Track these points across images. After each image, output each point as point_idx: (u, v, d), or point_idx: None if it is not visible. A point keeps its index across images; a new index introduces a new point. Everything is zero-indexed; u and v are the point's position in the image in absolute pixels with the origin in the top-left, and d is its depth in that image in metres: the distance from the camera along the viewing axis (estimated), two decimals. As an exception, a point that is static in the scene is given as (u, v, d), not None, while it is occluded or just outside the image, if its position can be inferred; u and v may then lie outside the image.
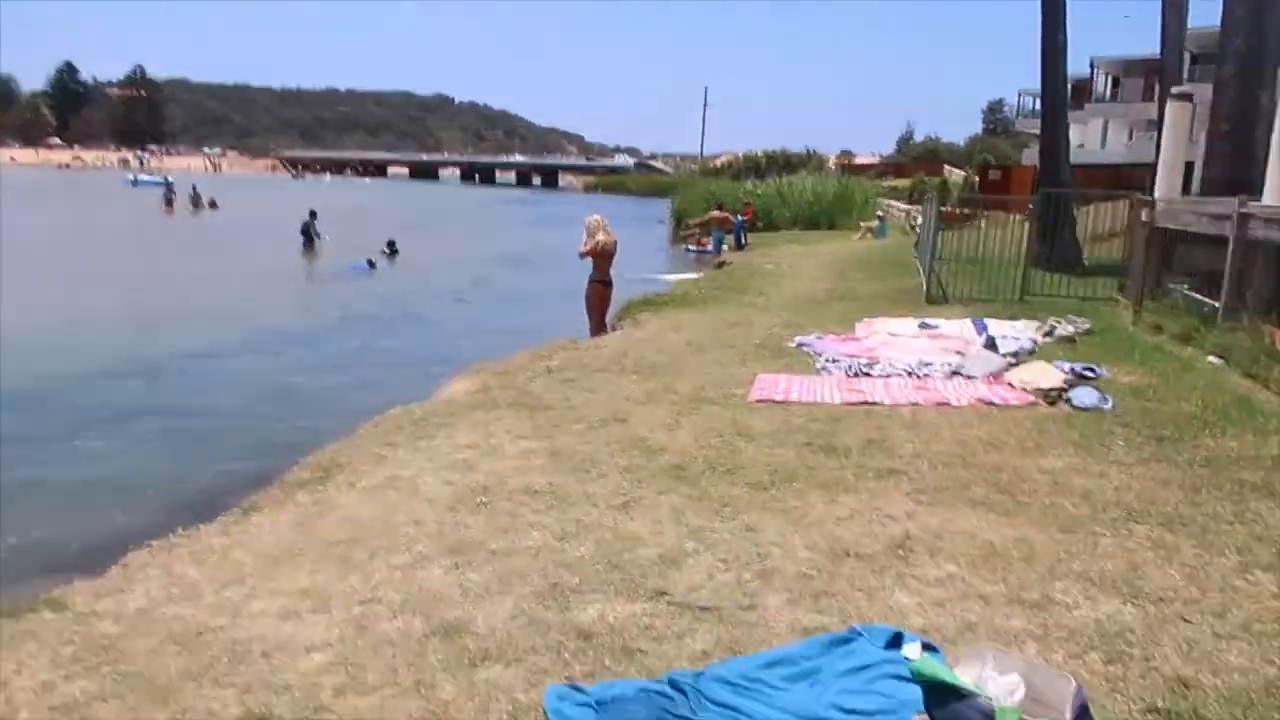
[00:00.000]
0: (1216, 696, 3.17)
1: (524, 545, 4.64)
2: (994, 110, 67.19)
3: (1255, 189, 10.35)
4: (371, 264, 22.86)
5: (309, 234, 26.73)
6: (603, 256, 11.79)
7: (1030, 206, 16.35)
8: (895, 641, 3.55)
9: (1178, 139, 13.91)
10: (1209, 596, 3.93)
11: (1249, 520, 4.77)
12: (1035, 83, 20.69)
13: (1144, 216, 10.82)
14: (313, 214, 27.17)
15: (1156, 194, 12.98)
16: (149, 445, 8.72)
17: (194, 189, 44.88)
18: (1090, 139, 42.69)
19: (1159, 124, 17.14)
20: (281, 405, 10.31)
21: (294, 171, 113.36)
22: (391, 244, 25.46)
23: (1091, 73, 44.55)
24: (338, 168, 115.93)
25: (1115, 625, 3.68)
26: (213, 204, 43.32)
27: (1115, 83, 43.92)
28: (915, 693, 2.73)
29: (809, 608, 3.92)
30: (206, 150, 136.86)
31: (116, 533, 5.88)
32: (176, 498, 7.07)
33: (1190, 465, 5.66)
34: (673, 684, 3.27)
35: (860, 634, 3.62)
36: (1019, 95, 49.72)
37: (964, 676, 2.30)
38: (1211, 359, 8.49)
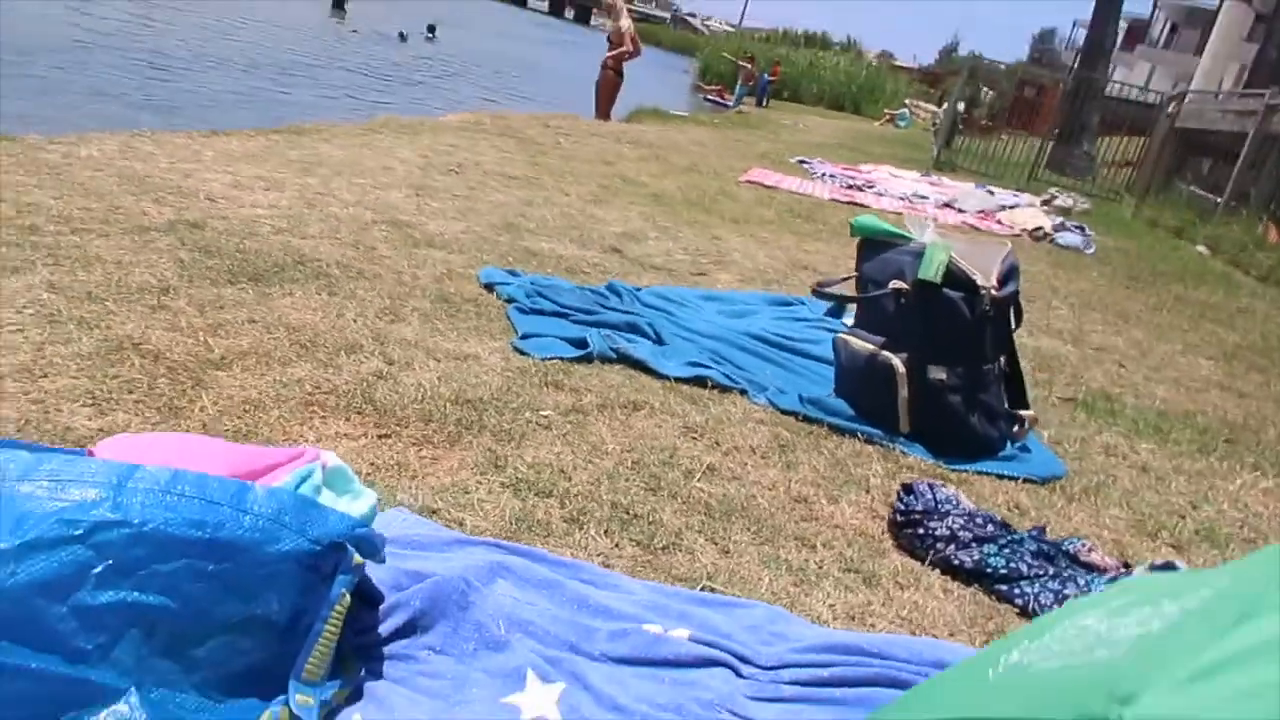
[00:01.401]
0: (1133, 407, 3.21)
1: (489, 200, 4.57)
2: (1044, 39, 64.65)
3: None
4: (403, 36, 22.04)
5: None
6: (622, 41, 11.39)
7: (1057, 130, 15.90)
8: (835, 315, 3.56)
9: (1225, 39, 13.44)
10: (1148, 359, 3.96)
11: (1203, 333, 4.79)
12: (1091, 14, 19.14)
13: (1170, 109, 10.57)
14: None
15: (1190, 88, 12.64)
16: (148, 104, 8.73)
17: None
18: (1133, 81, 41.37)
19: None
20: (277, 112, 10.12)
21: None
22: (432, 27, 24.65)
23: (1152, 14, 42.74)
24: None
25: (1053, 353, 3.71)
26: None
27: (1173, 29, 42.18)
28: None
29: (758, 287, 3.90)
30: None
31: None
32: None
33: (1158, 296, 5.67)
34: (610, 287, 3.26)
35: (803, 302, 3.62)
36: (1073, 25, 47.75)
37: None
38: (1200, 248, 8.44)
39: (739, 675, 1.26)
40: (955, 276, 2.15)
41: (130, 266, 2.57)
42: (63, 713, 0.83)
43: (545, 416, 2.07)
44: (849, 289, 2.45)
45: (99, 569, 0.86)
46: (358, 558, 1.03)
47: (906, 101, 31.28)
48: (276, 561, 0.96)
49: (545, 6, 76.55)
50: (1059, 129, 14.80)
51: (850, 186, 8.36)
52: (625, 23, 11.51)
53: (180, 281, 2.53)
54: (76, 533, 0.86)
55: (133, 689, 0.86)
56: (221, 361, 2.04)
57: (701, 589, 1.49)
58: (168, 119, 8.05)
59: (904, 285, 2.18)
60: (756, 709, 1.20)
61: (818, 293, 2.35)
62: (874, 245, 2.32)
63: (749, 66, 26.68)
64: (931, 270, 2.13)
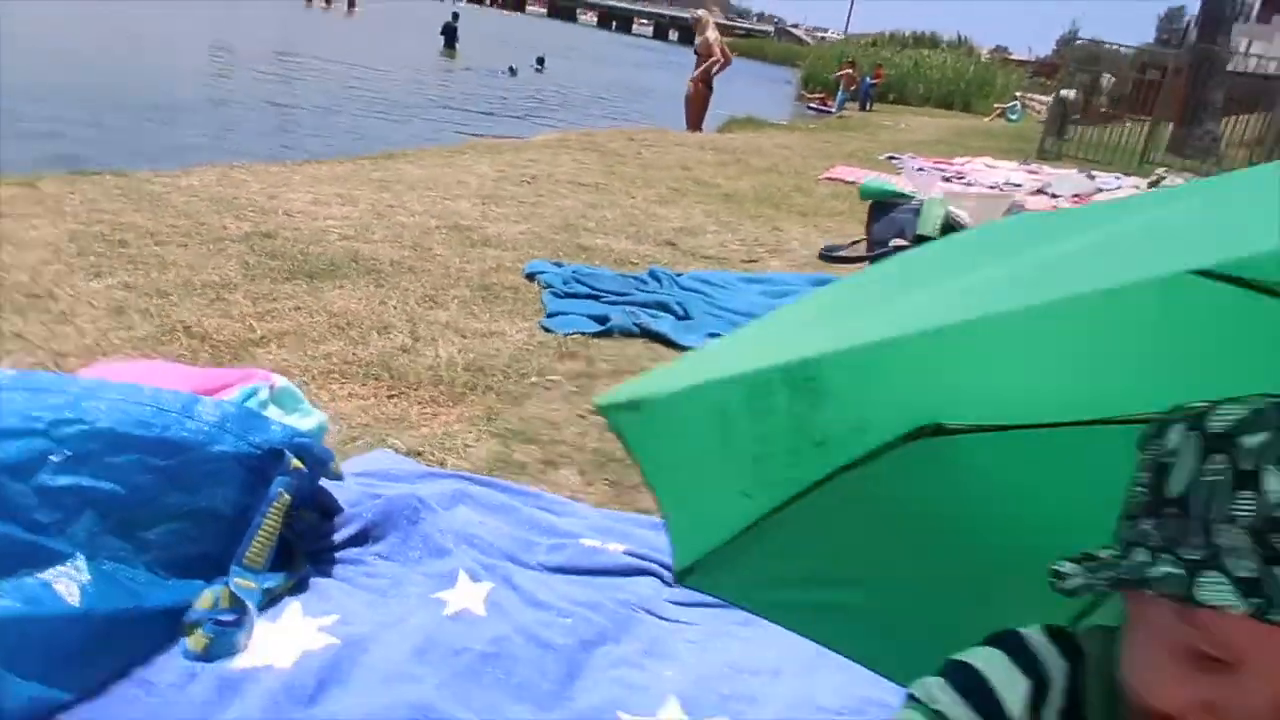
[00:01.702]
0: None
1: (554, 205, 4.76)
2: (1171, 19, 61.46)
3: None
4: (513, 70, 22.75)
5: (451, 34, 26.71)
6: (711, 53, 11.53)
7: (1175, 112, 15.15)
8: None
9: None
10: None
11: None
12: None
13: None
14: (455, 15, 27.04)
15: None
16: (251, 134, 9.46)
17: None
18: (1273, 54, 38.76)
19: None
20: (384, 149, 10.70)
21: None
22: (541, 59, 25.48)
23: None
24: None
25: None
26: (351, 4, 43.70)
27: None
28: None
29: (810, 271, 3.94)
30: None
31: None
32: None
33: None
34: (651, 273, 3.38)
35: (849, 281, 3.65)
36: (1202, 2, 45.15)
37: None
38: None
39: (666, 585, 1.35)
40: (954, 230, 2.18)
41: (200, 269, 2.84)
42: (20, 568, 1.00)
43: (552, 381, 2.20)
44: (861, 252, 2.50)
45: (58, 458, 1.03)
46: (297, 463, 1.18)
47: (1017, 95, 30.33)
48: (217, 460, 1.12)
49: (650, 31, 77.63)
50: (1180, 114, 14.13)
51: (939, 179, 8.23)
52: (712, 35, 11.64)
53: (242, 280, 2.78)
54: (39, 426, 1.04)
55: (78, 553, 1.02)
56: (261, 340, 2.25)
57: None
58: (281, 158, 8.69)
59: (905, 242, 2.22)
60: (676, 611, 1.29)
61: (825, 256, 2.42)
62: (881, 207, 2.38)
63: (850, 72, 26.39)
64: (929, 225, 2.17)
